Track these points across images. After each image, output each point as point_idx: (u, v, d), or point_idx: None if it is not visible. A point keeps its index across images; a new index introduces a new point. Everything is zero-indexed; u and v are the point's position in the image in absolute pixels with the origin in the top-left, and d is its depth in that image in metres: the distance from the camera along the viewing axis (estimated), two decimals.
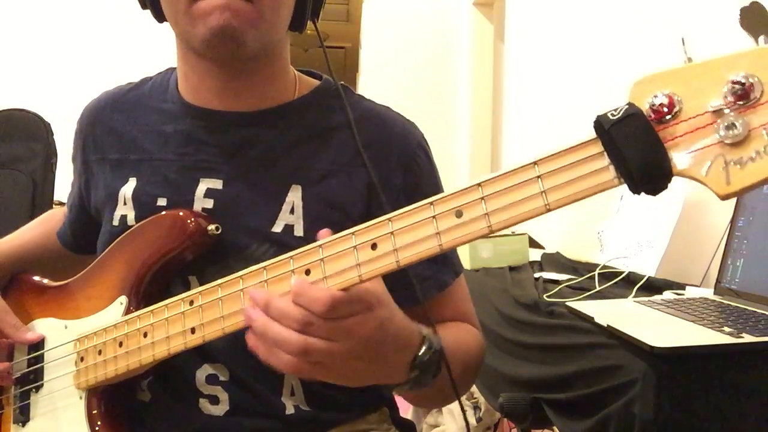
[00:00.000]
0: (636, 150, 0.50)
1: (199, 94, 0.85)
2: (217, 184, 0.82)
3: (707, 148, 0.48)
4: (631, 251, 1.54)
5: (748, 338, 0.88)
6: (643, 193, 0.52)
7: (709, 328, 0.95)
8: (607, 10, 2.20)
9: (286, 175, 0.82)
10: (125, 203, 0.85)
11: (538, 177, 0.54)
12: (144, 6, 0.82)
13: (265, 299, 0.62)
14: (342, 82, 0.87)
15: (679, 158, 0.50)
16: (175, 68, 0.90)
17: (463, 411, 0.83)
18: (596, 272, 1.47)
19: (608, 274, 1.46)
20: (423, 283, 0.83)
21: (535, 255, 1.91)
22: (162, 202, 0.83)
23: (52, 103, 2.56)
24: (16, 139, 1.98)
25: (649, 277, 1.38)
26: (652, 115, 0.50)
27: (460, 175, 3.88)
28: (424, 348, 0.68)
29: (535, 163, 0.54)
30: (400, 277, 0.78)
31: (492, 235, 0.56)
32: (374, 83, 3.91)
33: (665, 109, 0.50)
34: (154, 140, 0.86)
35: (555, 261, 1.82)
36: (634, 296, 1.28)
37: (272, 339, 0.61)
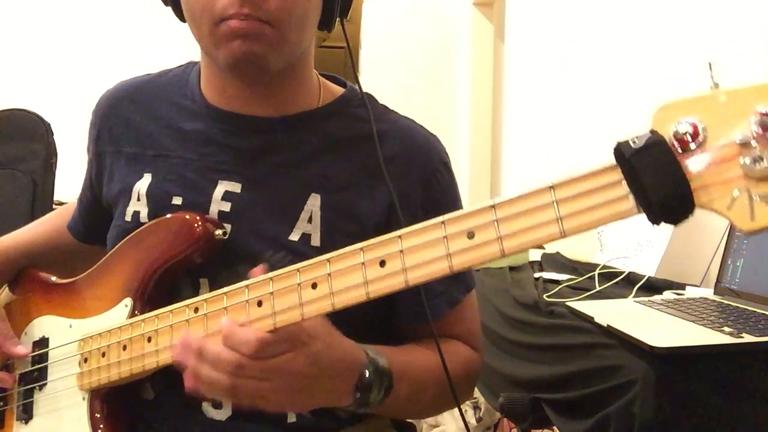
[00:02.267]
0: (657, 181, 0.48)
1: (222, 98, 0.84)
2: (235, 187, 0.82)
3: (732, 181, 0.47)
4: (631, 251, 1.54)
5: (748, 338, 0.88)
6: (663, 224, 0.50)
7: (709, 328, 0.95)
8: (608, 11, 2.20)
9: (305, 183, 0.81)
10: (139, 199, 0.85)
11: (554, 202, 0.52)
12: (166, 3, 0.82)
13: (198, 346, 0.64)
14: (367, 92, 0.87)
15: (701, 191, 0.48)
16: (195, 63, 0.89)
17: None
18: (596, 272, 1.47)
19: (608, 274, 1.46)
20: (435, 299, 0.83)
21: (535, 255, 1.91)
22: (177, 201, 0.83)
23: (52, 103, 2.56)
24: (16, 139, 1.98)
25: (649, 277, 1.38)
26: (675, 144, 0.48)
27: (460, 175, 3.85)
28: (368, 371, 0.69)
29: (551, 187, 0.53)
30: (411, 295, 0.79)
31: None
32: (374, 83, 3.90)
33: (689, 138, 0.48)
34: (173, 137, 0.85)
35: (555, 261, 1.81)
36: (634, 296, 1.28)
37: (205, 381, 0.64)
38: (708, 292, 1.24)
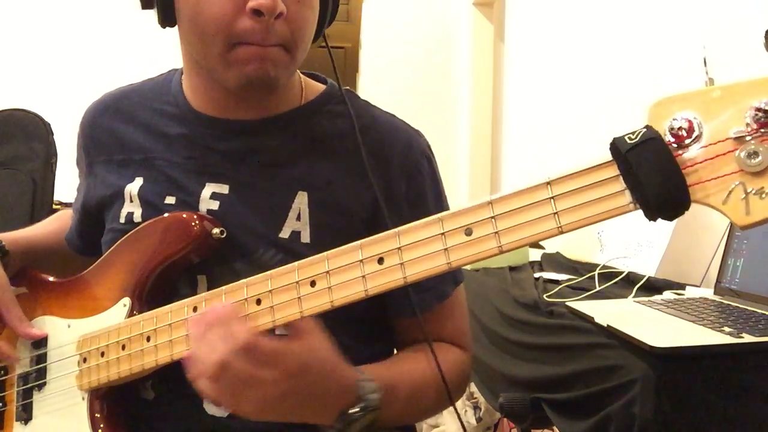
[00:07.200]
0: (654, 176, 0.48)
1: (207, 103, 0.84)
2: (223, 189, 0.82)
3: (727, 176, 0.47)
4: (631, 251, 1.54)
5: (748, 338, 0.88)
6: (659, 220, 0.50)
7: (709, 328, 0.95)
8: (607, 10, 2.20)
9: (292, 182, 0.82)
10: (131, 200, 0.85)
11: (551, 198, 0.52)
12: (145, 6, 0.79)
13: (215, 318, 0.63)
14: (347, 87, 0.87)
15: (697, 186, 0.48)
16: (176, 70, 0.90)
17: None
18: (596, 272, 1.47)
19: (608, 274, 1.46)
20: (423, 293, 0.83)
21: (535, 255, 1.91)
22: (170, 200, 0.83)
23: (52, 103, 2.56)
24: (16, 139, 1.98)
25: (649, 277, 1.38)
26: (671, 139, 0.49)
27: (460, 176, 3.88)
28: (356, 408, 0.68)
29: (548, 183, 0.53)
30: (401, 288, 0.78)
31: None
32: (374, 83, 3.91)
33: (684, 133, 0.48)
34: (159, 141, 0.86)
35: (555, 261, 1.81)
36: (634, 296, 1.28)
37: (198, 352, 0.63)
38: (708, 292, 1.23)
